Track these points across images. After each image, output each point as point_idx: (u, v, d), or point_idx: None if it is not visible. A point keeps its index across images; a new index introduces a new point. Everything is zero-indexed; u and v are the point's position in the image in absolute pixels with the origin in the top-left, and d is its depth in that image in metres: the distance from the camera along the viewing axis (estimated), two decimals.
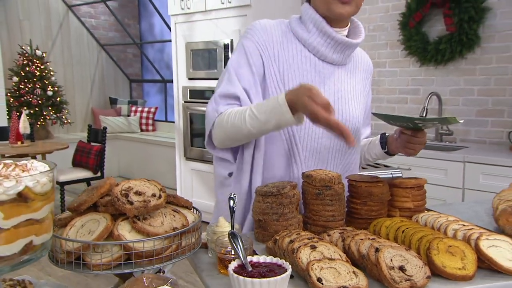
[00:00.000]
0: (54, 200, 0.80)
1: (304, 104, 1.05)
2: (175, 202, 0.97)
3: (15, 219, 0.70)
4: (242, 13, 4.23)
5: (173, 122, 7.10)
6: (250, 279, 0.78)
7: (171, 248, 0.87)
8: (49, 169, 0.76)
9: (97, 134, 5.18)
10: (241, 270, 0.83)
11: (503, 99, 3.44)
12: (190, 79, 4.84)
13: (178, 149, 5.10)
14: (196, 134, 4.92)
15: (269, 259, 0.88)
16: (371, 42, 4.07)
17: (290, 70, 1.32)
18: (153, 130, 7.18)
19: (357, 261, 0.93)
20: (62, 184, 4.73)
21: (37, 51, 5.93)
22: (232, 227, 0.98)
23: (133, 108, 7.25)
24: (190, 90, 4.85)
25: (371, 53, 4.05)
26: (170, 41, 6.72)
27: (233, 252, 0.91)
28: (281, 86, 1.31)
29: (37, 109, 5.84)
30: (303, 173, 1.17)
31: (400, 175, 2.37)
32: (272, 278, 0.78)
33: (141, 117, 7.16)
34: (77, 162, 5.11)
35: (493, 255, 0.95)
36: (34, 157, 4.79)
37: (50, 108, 6.00)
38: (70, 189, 5.57)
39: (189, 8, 4.67)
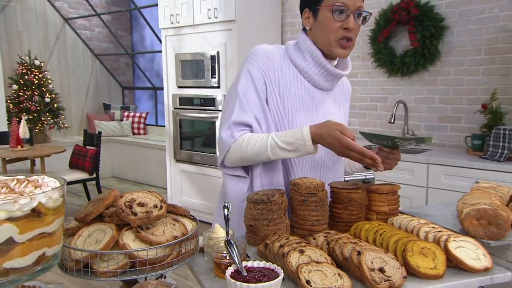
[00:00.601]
0: (65, 213, 0.78)
1: (335, 137, 1.14)
2: (174, 212, 0.96)
3: (30, 234, 0.69)
4: (228, 27, 4.23)
5: (163, 126, 7.04)
6: (246, 284, 0.78)
7: (172, 255, 0.86)
8: (60, 185, 0.75)
9: (92, 138, 5.11)
10: (237, 275, 0.83)
11: (461, 107, 3.51)
12: (179, 87, 4.82)
13: (168, 152, 5.07)
14: (185, 138, 4.90)
15: (262, 264, 0.87)
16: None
17: (289, 94, 1.34)
18: (144, 133, 7.13)
19: (341, 263, 0.94)
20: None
21: (35, 61, 5.83)
22: (227, 233, 0.98)
23: (126, 113, 7.18)
24: (179, 98, 4.82)
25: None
26: (160, 51, 6.67)
27: (228, 258, 0.91)
28: (281, 109, 1.33)
29: (35, 115, 5.73)
30: (290, 181, 1.18)
31: (373, 176, 2.37)
32: (266, 283, 0.78)
33: (133, 122, 7.11)
34: (73, 164, 5.04)
35: (460, 255, 0.96)
36: (33, 160, 4.70)
37: (47, 114, 5.90)
38: (68, 190, 5.47)
39: (178, 22, 4.64)
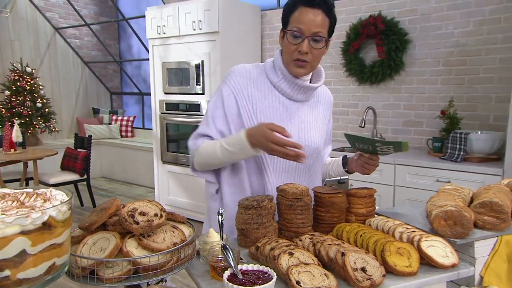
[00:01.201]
0: (72, 224, 0.77)
1: (262, 134, 1.14)
2: (172, 219, 0.95)
3: (41, 246, 0.67)
4: (212, 38, 4.21)
5: (150, 129, 6.97)
6: (242, 287, 0.78)
7: (173, 261, 0.85)
8: (67, 198, 0.73)
9: (83, 141, 5.02)
10: (234, 278, 0.83)
11: (422, 112, 3.59)
12: (166, 93, 4.77)
13: (156, 154, 5.01)
14: (171, 141, 4.86)
15: (256, 267, 0.87)
16: (320, 65, 4.14)
17: (262, 106, 1.36)
18: (132, 136, 7.03)
19: (327, 264, 0.94)
20: (52, 186, 4.53)
21: (27, 68, 5.66)
22: (222, 238, 0.97)
23: (114, 117, 7.06)
24: (166, 103, 4.77)
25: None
26: (147, 59, 6.59)
27: (223, 261, 0.91)
28: (254, 119, 1.34)
29: (27, 119, 5.57)
30: (277, 187, 1.18)
31: (347, 177, 2.39)
32: (261, 286, 0.78)
33: (121, 125, 7.00)
34: (65, 166, 4.93)
35: (431, 253, 0.99)
36: (25, 163, 4.58)
37: (39, 118, 5.74)
38: (61, 190, 5.35)
39: (165, 33, 4.60)
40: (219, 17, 4.11)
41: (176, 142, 4.86)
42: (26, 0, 6.10)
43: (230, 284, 0.78)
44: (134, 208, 0.88)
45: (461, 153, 2.99)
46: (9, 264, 0.64)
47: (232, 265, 0.84)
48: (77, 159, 4.80)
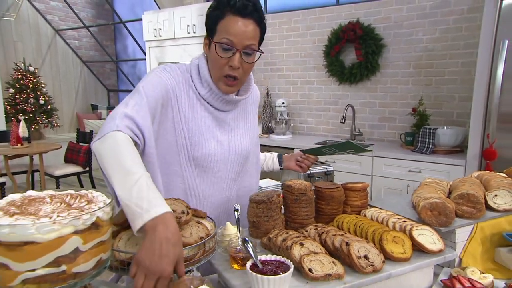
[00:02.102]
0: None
1: (151, 251, 0.73)
2: (195, 215, 0.96)
3: (91, 243, 0.68)
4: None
5: None
6: (266, 276, 0.79)
7: (199, 253, 0.86)
8: (109, 200, 0.73)
9: (85, 136, 4.94)
10: (255, 267, 0.84)
11: (395, 110, 3.66)
12: None
13: None
14: None
15: (273, 257, 0.89)
16: (303, 65, 4.15)
17: (189, 116, 1.15)
18: None
19: (333, 252, 0.96)
20: (57, 178, 4.45)
21: (29, 67, 5.52)
22: (239, 231, 0.99)
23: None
24: None
25: (303, 74, 4.16)
26: (142, 59, 6.51)
27: (241, 252, 0.92)
28: (185, 130, 1.15)
29: (31, 115, 5.46)
30: (284, 184, 1.19)
31: (332, 169, 2.42)
32: (282, 275, 0.80)
33: None
34: (68, 159, 4.84)
35: (422, 241, 1.02)
36: (31, 157, 4.47)
37: (42, 114, 5.63)
38: (64, 181, 5.26)
39: (161, 36, 4.53)
40: None
41: None
42: (28, 4, 5.90)
43: (254, 274, 0.80)
44: None
45: (430, 146, 3.06)
46: (65, 260, 0.65)
47: (253, 256, 0.86)
48: (80, 153, 4.72)
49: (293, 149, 3.56)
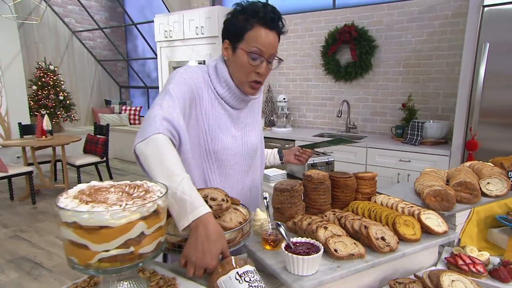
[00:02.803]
0: None
1: (196, 248, 0.78)
2: (232, 202, 0.98)
3: (153, 228, 0.69)
4: (212, 42, 4.15)
5: None
6: (301, 256, 0.81)
7: (239, 236, 0.88)
8: (166, 190, 0.75)
9: (102, 129, 4.91)
10: (289, 248, 0.86)
11: (386, 105, 3.68)
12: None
13: None
14: None
15: (303, 239, 0.90)
16: (302, 64, 4.15)
17: (209, 113, 1.15)
18: (139, 123, 6.89)
19: (352, 235, 0.98)
20: (78, 167, 4.44)
21: (50, 66, 5.44)
22: (269, 217, 1.01)
23: (123, 107, 6.89)
24: None
25: (302, 72, 4.16)
26: (151, 58, 6.46)
27: (272, 234, 0.94)
28: (206, 126, 1.15)
29: (52, 110, 5.39)
30: (304, 174, 1.20)
31: (333, 159, 2.44)
32: (315, 255, 0.81)
33: (129, 114, 6.84)
34: (87, 150, 4.82)
35: (429, 224, 1.04)
36: (54, 148, 4.45)
37: (61, 109, 5.57)
38: (83, 170, 5.26)
39: (171, 37, 4.50)
40: (219, 24, 4.04)
41: None
42: (48, 8, 5.81)
43: (290, 254, 0.82)
44: (205, 194, 0.90)
45: (418, 138, 3.10)
46: (133, 243, 0.66)
47: (286, 238, 0.88)
48: (98, 144, 4.71)
49: (293, 140, 3.58)
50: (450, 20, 3.26)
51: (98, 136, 4.88)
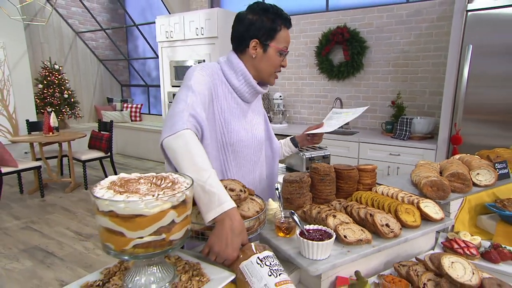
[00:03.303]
0: None
1: (221, 238, 0.79)
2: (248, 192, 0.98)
3: (182, 216, 0.70)
4: (211, 42, 4.13)
5: (155, 114, 6.80)
6: (315, 242, 0.82)
7: (256, 224, 0.89)
8: (191, 181, 0.75)
9: (106, 125, 4.85)
10: (303, 235, 0.87)
11: (377, 102, 3.71)
12: (173, 86, 4.67)
13: None
14: None
15: (315, 227, 0.91)
16: (297, 64, 4.15)
17: (224, 107, 1.17)
18: (140, 120, 6.83)
19: (358, 222, 1.00)
20: (84, 162, 4.40)
21: (55, 65, 5.35)
22: (281, 206, 1.02)
23: (125, 105, 6.82)
24: (173, 94, 4.67)
25: (297, 71, 4.16)
26: (151, 58, 6.39)
27: (285, 222, 0.96)
28: (222, 119, 1.16)
29: (57, 107, 5.31)
30: (310, 166, 1.22)
31: (329, 153, 2.45)
32: (328, 241, 0.83)
33: (131, 111, 6.78)
34: (92, 145, 4.77)
35: (428, 211, 1.06)
36: (60, 144, 4.39)
37: (66, 106, 5.48)
38: (88, 165, 5.21)
39: (172, 37, 4.46)
40: (218, 25, 4.02)
41: None
42: (52, 10, 5.72)
43: (305, 240, 0.83)
44: (224, 185, 0.90)
45: (407, 133, 3.13)
46: (164, 230, 0.67)
47: (300, 225, 0.89)
48: (102, 140, 4.66)
49: (289, 136, 3.59)
50: (435, 23, 3.30)
51: (102, 132, 4.83)
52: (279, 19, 1.15)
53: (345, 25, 3.67)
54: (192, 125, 0.97)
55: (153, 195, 0.66)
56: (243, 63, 1.19)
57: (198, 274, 0.76)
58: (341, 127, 3.78)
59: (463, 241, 1.08)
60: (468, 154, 1.62)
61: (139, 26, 6.06)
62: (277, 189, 1.06)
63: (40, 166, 3.93)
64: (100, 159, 4.74)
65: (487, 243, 1.12)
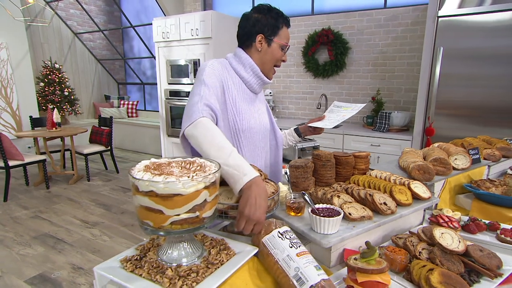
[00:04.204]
0: None
1: (250, 203, 0.79)
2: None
3: (212, 196, 0.71)
4: (206, 42, 4.09)
5: (150, 110, 6.70)
6: (327, 218, 0.85)
7: (272, 204, 0.91)
8: (218, 165, 0.76)
9: (105, 121, 4.75)
10: (315, 212, 0.90)
11: (358, 98, 3.77)
12: (169, 83, 4.60)
13: (162, 130, 4.86)
14: (174, 119, 4.74)
15: (324, 205, 0.93)
16: (285, 63, 4.17)
17: (236, 97, 1.19)
18: (136, 116, 6.70)
19: (359, 202, 1.03)
20: (86, 155, 4.30)
21: (55, 64, 5.16)
22: (290, 187, 1.04)
23: (122, 102, 6.67)
24: (169, 91, 4.61)
25: (285, 70, 4.18)
26: (146, 57, 6.26)
27: (296, 202, 0.98)
28: (234, 108, 1.18)
29: (58, 104, 5.15)
30: (313, 153, 1.24)
31: (318, 144, 2.49)
32: (337, 217, 0.85)
33: (127, 108, 6.63)
34: (92, 140, 4.67)
35: (418, 191, 1.10)
36: (63, 138, 4.27)
37: (66, 103, 5.32)
38: (89, 158, 5.09)
39: (168, 38, 4.38)
40: (212, 26, 3.98)
41: (178, 120, 4.76)
42: (51, 12, 5.49)
43: (318, 216, 0.86)
44: None
45: (386, 126, 3.21)
46: (198, 208, 0.68)
47: (311, 204, 0.92)
48: (103, 135, 4.56)
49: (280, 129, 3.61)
50: (410, 27, 3.37)
51: (102, 127, 4.73)
52: (281, 18, 1.20)
53: (330, 28, 3.71)
54: (207, 113, 1.00)
55: (188, 176, 0.66)
56: (251, 56, 1.22)
57: (225, 248, 0.77)
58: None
59: (447, 216, 1.13)
60: (446, 143, 1.68)
61: (135, 28, 5.92)
62: (286, 173, 1.08)
63: (45, 160, 3.82)
64: (101, 152, 4.65)
65: (465, 218, 1.19)
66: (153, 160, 0.77)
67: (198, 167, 0.74)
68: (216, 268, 0.70)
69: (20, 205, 3.40)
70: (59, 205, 3.41)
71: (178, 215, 0.66)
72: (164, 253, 0.73)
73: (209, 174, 0.69)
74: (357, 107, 1.45)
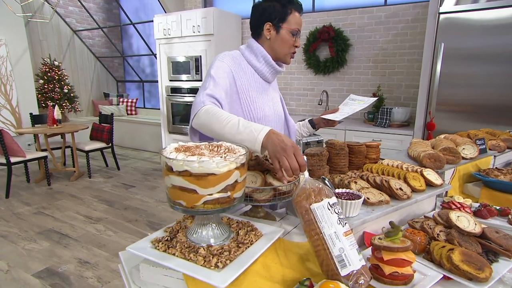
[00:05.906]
0: None
1: (277, 146, 0.81)
2: None
3: (242, 177, 0.72)
4: (207, 39, 4.09)
5: (150, 108, 6.67)
6: (349, 201, 0.86)
7: (294, 188, 0.92)
8: (245, 149, 0.77)
9: (106, 118, 4.72)
10: (336, 196, 0.90)
11: (359, 94, 3.76)
12: (170, 80, 4.59)
13: (163, 126, 4.86)
14: (175, 116, 4.73)
15: (344, 190, 0.94)
16: None
17: (249, 86, 1.21)
18: (135, 114, 6.67)
19: (375, 187, 1.05)
20: (87, 152, 4.27)
21: (54, 62, 5.12)
22: (309, 175, 1.05)
23: (121, 99, 6.63)
24: (171, 88, 4.60)
25: (286, 66, 4.19)
26: (146, 55, 6.23)
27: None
28: (247, 97, 1.20)
29: (57, 101, 5.10)
30: (327, 141, 1.26)
31: (322, 139, 2.52)
32: (359, 200, 0.87)
33: (126, 105, 6.60)
34: (93, 137, 4.64)
35: (430, 178, 1.12)
36: (64, 135, 4.24)
37: (66, 101, 5.28)
38: (90, 155, 5.06)
39: (170, 35, 4.37)
40: (213, 23, 3.99)
41: (179, 116, 4.75)
42: (50, 9, 5.43)
43: (340, 200, 0.87)
44: (265, 155, 0.92)
45: (387, 121, 3.24)
46: (230, 188, 0.68)
47: (332, 188, 0.93)
48: (104, 131, 4.54)
49: None
50: (410, 24, 3.40)
51: (103, 124, 4.71)
52: (290, 4, 1.20)
53: (331, 25, 3.72)
54: (209, 102, 1.03)
55: (221, 157, 0.67)
56: (263, 46, 1.23)
57: (252, 229, 0.78)
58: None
59: (458, 202, 1.15)
60: (451, 134, 1.71)
61: (130, 25, 5.89)
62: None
63: (46, 156, 3.79)
64: (101, 149, 4.62)
65: (476, 204, 1.21)
66: (181, 143, 0.78)
67: (227, 150, 0.75)
68: (246, 248, 0.71)
69: (22, 201, 3.37)
70: (61, 202, 3.39)
71: (211, 194, 0.67)
72: (194, 233, 0.74)
73: (240, 155, 0.70)
74: (369, 101, 1.47)
